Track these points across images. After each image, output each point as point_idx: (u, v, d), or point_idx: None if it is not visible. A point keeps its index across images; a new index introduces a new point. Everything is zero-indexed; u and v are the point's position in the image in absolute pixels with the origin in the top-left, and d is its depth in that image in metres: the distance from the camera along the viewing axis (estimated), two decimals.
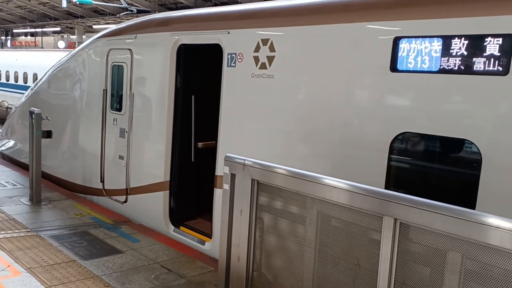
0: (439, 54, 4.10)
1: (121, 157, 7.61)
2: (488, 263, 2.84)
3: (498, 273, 2.81)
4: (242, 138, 5.85)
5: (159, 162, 6.89)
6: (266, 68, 5.44)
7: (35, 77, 24.58)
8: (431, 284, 3.12)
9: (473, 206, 3.88)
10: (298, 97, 5.29)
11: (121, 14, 29.32)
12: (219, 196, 5.45)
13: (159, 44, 6.98)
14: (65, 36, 50.01)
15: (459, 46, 3.98)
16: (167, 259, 5.95)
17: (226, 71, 5.93)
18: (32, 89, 10.81)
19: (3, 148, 11.59)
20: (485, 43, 3.83)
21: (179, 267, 5.73)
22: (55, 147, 9.24)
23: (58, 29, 46.96)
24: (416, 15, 4.31)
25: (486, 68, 3.84)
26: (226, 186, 4.39)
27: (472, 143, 3.98)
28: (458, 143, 4.19)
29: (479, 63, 3.89)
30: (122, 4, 27.43)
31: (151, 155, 7.18)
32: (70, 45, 43.47)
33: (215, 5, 26.07)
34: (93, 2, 28.65)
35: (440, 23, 4.13)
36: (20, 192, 8.50)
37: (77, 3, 28.59)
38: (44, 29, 48.15)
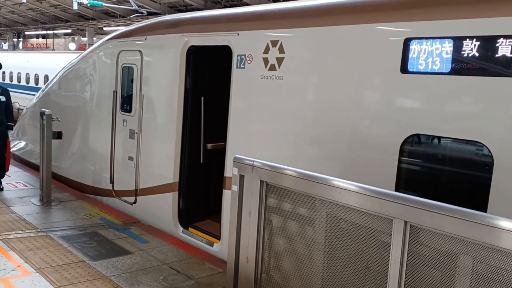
0: (450, 56, 4.06)
1: (130, 158, 7.64)
2: (500, 266, 2.80)
3: (510, 277, 2.77)
4: (251, 140, 5.84)
5: (168, 163, 6.90)
6: (275, 69, 5.43)
7: (46, 78, 24.79)
8: None
9: (484, 209, 3.83)
10: (307, 99, 5.27)
11: (131, 16, 29.46)
12: (227, 197, 5.45)
13: (169, 45, 7.00)
14: (76, 38, 50.41)
15: (470, 47, 3.94)
16: (176, 260, 5.96)
17: (235, 72, 5.93)
18: (43, 91, 10.90)
19: (14, 149, 11.69)
20: (497, 44, 3.79)
21: (187, 269, 5.73)
22: (65, 148, 9.30)
23: (69, 31, 47.32)
24: (427, 16, 4.28)
25: (498, 70, 3.80)
26: (235, 188, 4.38)
27: (483, 145, 3.93)
28: (469, 145, 4.14)
29: (490, 64, 3.84)
30: (132, 6, 27.58)
31: (161, 156, 7.20)
32: (81, 47, 43.81)
33: (225, 7, 26.13)
34: (104, 4, 28.85)
35: (451, 24, 4.09)
36: (30, 192, 8.57)
37: (88, 5, 28.81)
38: (55, 31, 48.54)
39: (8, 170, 8.94)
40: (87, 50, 9.40)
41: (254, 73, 5.66)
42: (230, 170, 5.57)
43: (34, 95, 13.54)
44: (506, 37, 3.75)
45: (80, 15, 38.09)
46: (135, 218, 7.50)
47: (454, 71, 4.04)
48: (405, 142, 4.38)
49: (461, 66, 4.01)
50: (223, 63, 6.25)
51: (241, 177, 4.33)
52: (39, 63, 27.44)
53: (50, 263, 5.56)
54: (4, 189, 8.59)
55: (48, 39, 52.62)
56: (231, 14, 6.72)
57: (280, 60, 5.38)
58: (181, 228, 6.88)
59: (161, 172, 7.12)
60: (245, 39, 5.84)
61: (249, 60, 5.74)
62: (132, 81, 7.62)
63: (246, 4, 23.89)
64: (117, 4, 30.27)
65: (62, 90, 9.87)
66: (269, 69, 5.48)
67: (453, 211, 2.97)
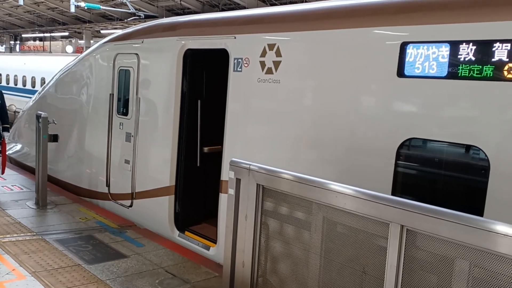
0: (446, 60, 4.06)
1: (127, 162, 7.62)
2: (496, 271, 2.80)
3: (506, 282, 2.77)
4: (248, 143, 5.83)
5: (164, 167, 6.88)
6: (272, 73, 5.42)
7: (43, 81, 24.74)
8: None
9: (481, 213, 3.83)
10: (304, 102, 5.27)
11: (128, 19, 29.48)
12: (224, 201, 5.43)
13: (166, 49, 7.00)
14: (73, 41, 50.36)
15: (467, 51, 3.95)
16: (172, 264, 5.93)
17: (232, 76, 5.93)
18: (39, 93, 10.86)
19: (10, 151, 11.64)
20: (493, 49, 3.80)
21: (183, 272, 5.71)
22: (61, 151, 9.27)
23: (66, 34, 47.30)
24: (424, 20, 4.28)
25: (494, 74, 3.80)
26: (231, 191, 4.37)
27: (480, 149, 3.94)
28: (466, 150, 4.14)
29: (487, 69, 3.85)
30: (129, 10, 27.59)
31: (157, 159, 7.18)
32: (78, 50, 43.76)
33: (222, 10, 26.16)
34: (101, 7, 28.85)
35: (448, 29, 4.10)
36: (26, 195, 8.53)
37: (85, 8, 28.80)
38: (52, 34, 48.51)
39: (3, 173, 8.89)
40: (84, 53, 9.38)
41: (251, 76, 5.66)
42: (226, 174, 5.54)
43: (30, 97, 13.50)
44: (502, 41, 3.75)
45: (77, 18, 38.08)
46: (131, 222, 7.47)
47: (450, 75, 4.05)
48: (401, 146, 4.38)
49: (457, 70, 4.02)
50: (220, 66, 6.25)
51: (238, 181, 4.32)
52: (36, 66, 27.37)
53: (45, 267, 5.53)
54: None
55: (45, 42, 52.59)
56: (228, 18, 6.72)
57: (277, 64, 5.38)
58: (177, 232, 6.86)
59: (157, 175, 7.10)
60: (242, 43, 5.84)
61: (246, 63, 5.73)
62: (128, 84, 7.61)
63: (244, 8, 23.94)
64: (114, 7, 30.28)
65: (58, 93, 9.85)
66: (266, 73, 5.48)
67: (449, 215, 2.96)
